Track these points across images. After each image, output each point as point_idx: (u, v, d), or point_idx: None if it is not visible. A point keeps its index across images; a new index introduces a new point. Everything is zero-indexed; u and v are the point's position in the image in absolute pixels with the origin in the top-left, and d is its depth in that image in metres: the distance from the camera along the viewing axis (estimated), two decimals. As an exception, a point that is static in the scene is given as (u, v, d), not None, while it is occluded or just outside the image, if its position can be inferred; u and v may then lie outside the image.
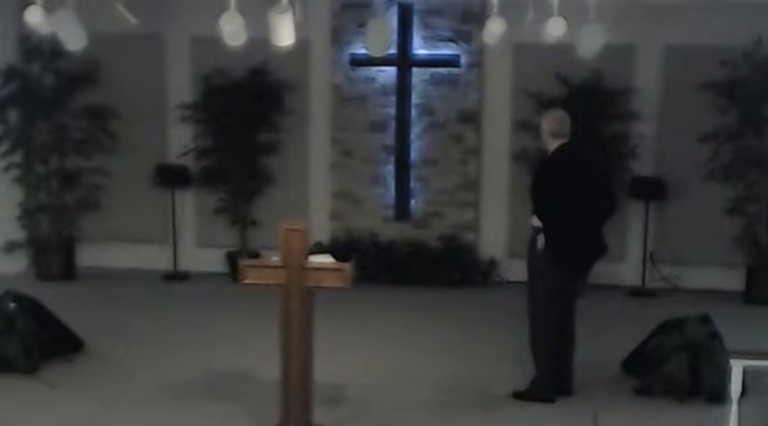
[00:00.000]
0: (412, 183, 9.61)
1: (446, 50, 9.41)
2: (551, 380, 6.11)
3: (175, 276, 9.71)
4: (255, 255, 9.09)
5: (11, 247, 9.55)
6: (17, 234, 9.65)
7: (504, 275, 9.54)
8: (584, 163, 6.17)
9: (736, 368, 4.77)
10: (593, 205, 6.06)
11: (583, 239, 6.06)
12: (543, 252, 5.99)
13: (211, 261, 9.81)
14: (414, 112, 9.52)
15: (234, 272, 9.11)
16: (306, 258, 5.09)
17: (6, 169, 9.44)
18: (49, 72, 9.39)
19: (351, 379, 6.47)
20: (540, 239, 6.00)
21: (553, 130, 6.09)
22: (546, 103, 9.06)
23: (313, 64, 9.62)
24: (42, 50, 9.19)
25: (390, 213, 9.66)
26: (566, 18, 7.12)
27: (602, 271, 9.25)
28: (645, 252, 9.26)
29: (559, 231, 5.98)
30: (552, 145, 6.11)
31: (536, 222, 6.04)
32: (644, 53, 9.16)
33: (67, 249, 9.70)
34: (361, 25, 8.99)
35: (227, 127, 9.48)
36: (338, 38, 9.54)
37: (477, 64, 9.40)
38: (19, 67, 9.37)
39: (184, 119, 9.70)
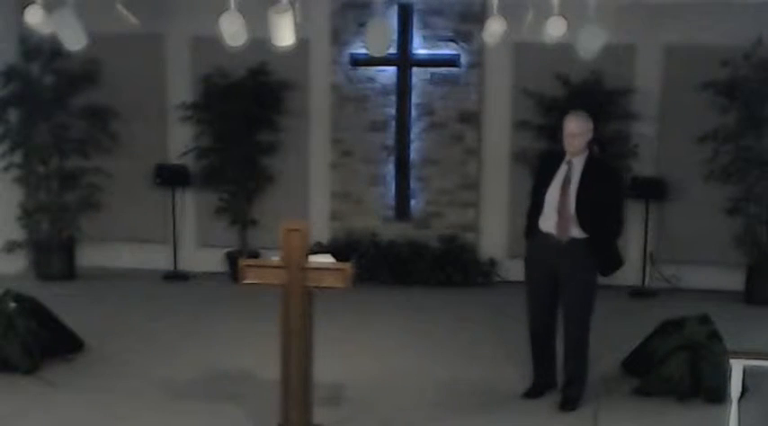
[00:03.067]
0: (412, 183, 9.61)
1: (446, 50, 9.41)
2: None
3: (175, 276, 9.71)
4: (255, 255, 9.09)
5: (11, 247, 9.55)
6: (17, 234, 9.65)
7: (504, 275, 9.54)
8: None
9: (736, 368, 4.77)
10: None
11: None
12: (592, 262, 5.93)
13: (211, 261, 9.81)
14: (414, 112, 9.52)
15: (234, 272, 9.11)
16: (306, 258, 5.09)
17: (6, 169, 9.44)
18: (49, 72, 9.39)
19: (351, 379, 6.47)
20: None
21: (593, 137, 6.00)
22: (546, 103, 9.09)
23: (313, 64, 9.62)
24: (42, 50, 9.19)
25: (390, 213, 9.66)
26: (566, 18, 7.12)
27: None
28: (645, 252, 9.26)
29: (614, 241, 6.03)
30: (585, 149, 5.94)
31: (576, 231, 5.89)
32: (644, 53, 9.16)
33: (67, 249, 9.70)
34: (362, 25, 8.99)
35: (227, 127, 9.47)
36: (338, 38, 9.54)
37: (477, 64, 9.40)
38: (19, 67, 9.37)
39: (184, 119, 9.70)
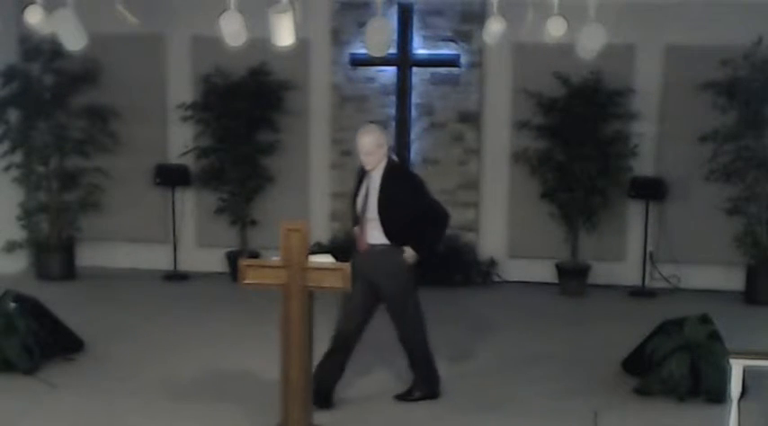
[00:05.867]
0: (412, 183, 9.59)
1: (446, 50, 9.40)
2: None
3: (175, 276, 9.71)
4: (255, 255, 9.09)
5: (11, 247, 9.55)
6: (17, 234, 9.65)
7: (504, 275, 9.54)
8: None
9: (736, 368, 4.78)
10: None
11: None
12: (408, 267, 5.95)
13: (211, 261, 9.81)
14: (414, 112, 9.52)
15: (234, 272, 9.11)
16: (306, 258, 5.09)
17: (6, 169, 9.43)
18: (49, 72, 9.39)
19: (351, 379, 6.47)
20: (409, 252, 5.92)
21: (389, 145, 6.11)
22: (546, 103, 9.08)
23: (313, 64, 9.62)
24: (42, 50, 9.18)
25: (390, 213, 9.64)
26: (566, 18, 7.11)
27: (602, 271, 9.29)
28: (645, 252, 9.26)
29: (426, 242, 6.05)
30: (382, 160, 5.93)
31: (383, 239, 5.90)
32: (644, 53, 9.15)
33: (67, 249, 9.69)
34: (361, 25, 8.97)
35: (227, 127, 9.47)
36: (338, 38, 9.54)
37: (477, 64, 9.40)
38: (19, 67, 9.37)
39: (184, 119, 9.70)
